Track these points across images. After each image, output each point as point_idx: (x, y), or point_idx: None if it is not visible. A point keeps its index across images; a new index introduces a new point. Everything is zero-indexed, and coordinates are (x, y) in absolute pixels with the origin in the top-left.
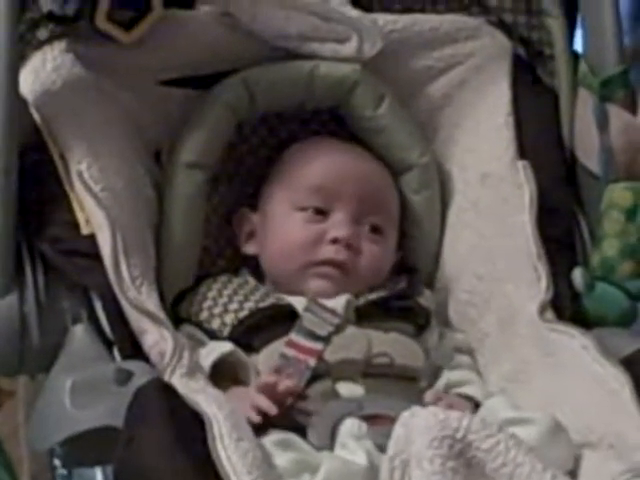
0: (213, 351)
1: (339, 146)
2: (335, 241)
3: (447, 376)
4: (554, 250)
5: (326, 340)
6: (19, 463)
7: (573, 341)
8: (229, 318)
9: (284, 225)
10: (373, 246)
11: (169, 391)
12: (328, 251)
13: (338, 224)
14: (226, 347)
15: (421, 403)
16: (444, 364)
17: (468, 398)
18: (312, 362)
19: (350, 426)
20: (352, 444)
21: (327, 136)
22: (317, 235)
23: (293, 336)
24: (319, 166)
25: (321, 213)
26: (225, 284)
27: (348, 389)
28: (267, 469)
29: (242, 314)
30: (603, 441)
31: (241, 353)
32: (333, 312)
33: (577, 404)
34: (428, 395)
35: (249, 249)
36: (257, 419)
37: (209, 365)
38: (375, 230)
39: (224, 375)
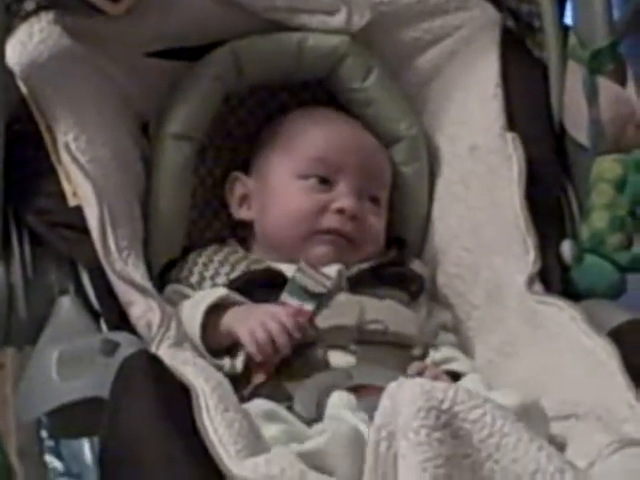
0: (207, 296)
1: (336, 116)
2: (340, 211)
3: (432, 355)
4: (543, 222)
5: (317, 299)
6: (7, 435)
7: (561, 313)
8: (221, 279)
9: (287, 192)
10: (374, 218)
11: (156, 362)
12: (333, 220)
13: (343, 195)
14: (222, 291)
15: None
16: (431, 339)
17: (454, 374)
18: (303, 321)
19: (339, 398)
20: (347, 414)
21: (323, 106)
22: (322, 204)
23: (284, 296)
24: (321, 135)
25: (325, 182)
26: (215, 251)
27: (339, 358)
28: (254, 439)
29: (233, 275)
30: (591, 413)
31: (237, 296)
32: (325, 275)
33: (565, 376)
34: (412, 367)
35: (242, 214)
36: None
37: (206, 306)
38: (374, 201)
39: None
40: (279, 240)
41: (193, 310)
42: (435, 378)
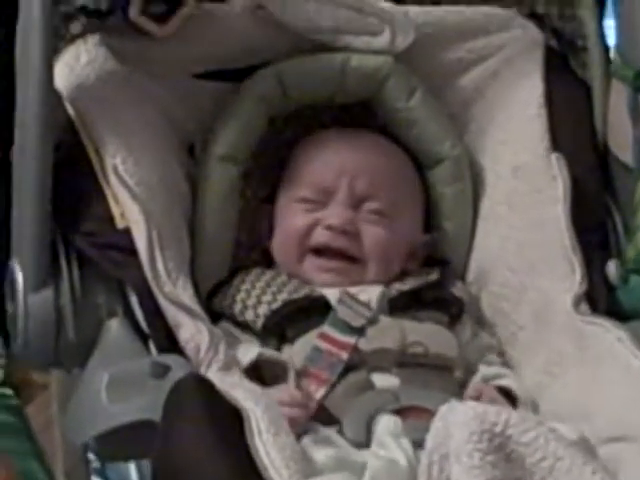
0: (244, 357)
1: (345, 138)
2: (330, 227)
3: (482, 372)
4: (587, 243)
5: (359, 332)
6: (52, 456)
7: (608, 334)
8: (262, 309)
9: (285, 216)
10: (375, 228)
11: (207, 385)
12: (323, 236)
13: (334, 212)
14: (253, 353)
15: (457, 393)
16: (477, 360)
17: (505, 391)
18: (344, 356)
19: (386, 423)
20: (390, 442)
21: (336, 129)
22: (312, 222)
23: (326, 328)
24: (318, 159)
25: (318, 203)
26: (258, 276)
27: (383, 380)
28: (305, 463)
29: (275, 305)
30: None
31: (269, 351)
32: (366, 305)
33: (613, 397)
34: (470, 390)
35: (270, 244)
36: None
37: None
38: (377, 213)
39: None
40: (282, 263)
41: None
42: (493, 401)
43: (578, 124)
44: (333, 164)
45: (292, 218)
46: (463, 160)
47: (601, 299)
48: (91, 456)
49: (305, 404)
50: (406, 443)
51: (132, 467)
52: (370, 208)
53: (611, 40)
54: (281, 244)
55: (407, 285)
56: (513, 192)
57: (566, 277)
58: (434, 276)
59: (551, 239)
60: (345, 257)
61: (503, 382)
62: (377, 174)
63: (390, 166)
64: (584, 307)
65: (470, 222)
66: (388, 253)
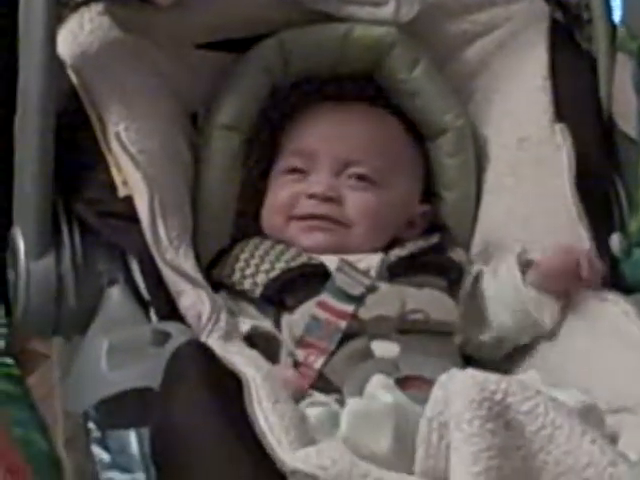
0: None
1: (336, 110)
2: (312, 196)
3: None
4: (591, 215)
5: (358, 300)
6: (54, 426)
7: (615, 307)
8: (260, 278)
9: (272, 189)
10: (361, 193)
11: (207, 352)
12: (307, 206)
13: (316, 181)
14: (247, 325)
15: (456, 359)
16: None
17: None
18: (343, 325)
19: (380, 380)
20: (381, 392)
21: (331, 102)
22: (296, 193)
23: (324, 297)
24: (304, 129)
25: (301, 172)
26: (257, 245)
27: (383, 347)
28: (304, 430)
29: (273, 273)
30: None
31: (263, 325)
32: (365, 273)
33: (617, 369)
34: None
35: None
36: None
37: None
38: (362, 179)
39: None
40: (268, 233)
41: None
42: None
43: (583, 96)
44: (315, 130)
45: (279, 190)
46: (466, 131)
47: (605, 272)
48: (91, 425)
49: (301, 385)
50: (399, 394)
51: (132, 435)
52: (354, 172)
53: (616, 13)
54: (267, 216)
55: (406, 250)
56: (518, 163)
57: None
58: (433, 240)
59: (557, 209)
60: (327, 219)
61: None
62: (361, 140)
63: (378, 134)
64: None
65: (474, 193)
66: (377, 219)
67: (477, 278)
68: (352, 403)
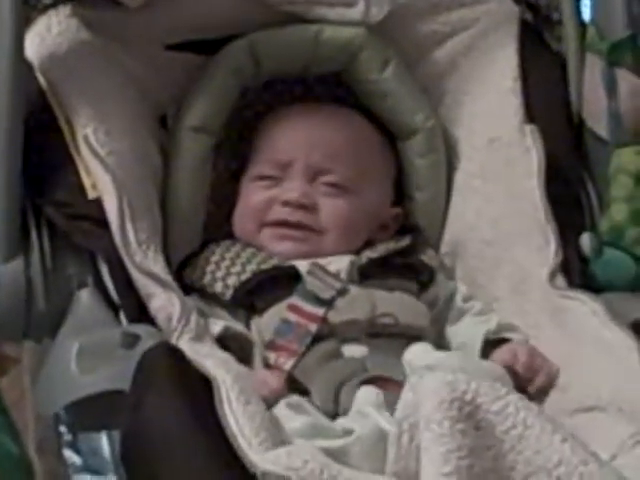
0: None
1: (305, 113)
2: (286, 203)
3: (494, 320)
4: (562, 215)
5: (328, 304)
6: (25, 429)
7: (583, 307)
8: (231, 281)
9: (244, 194)
10: (333, 200)
11: (177, 354)
12: (280, 212)
13: (289, 187)
14: (220, 326)
15: None
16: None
17: None
18: (313, 328)
19: (367, 394)
20: (373, 412)
21: (300, 104)
22: (269, 199)
23: (295, 300)
24: (274, 138)
25: (276, 179)
26: (228, 248)
27: (352, 350)
28: (276, 432)
29: (244, 276)
30: (613, 405)
31: (236, 326)
32: (336, 276)
33: (587, 369)
34: (504, 353)
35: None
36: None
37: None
38: (334, 186)
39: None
40: (240, 238)
41: None
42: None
43: (553, 97)
44: (289, 139)
45: (251, 196)
46: (437, 132)
47: (575, 271)
48: (62, 428)
49: (278, 386)
50: (387, 415)
51: (103, 438)
52: (327, 181)
53: (586, 14)
54: (239, 222)
55: (377, 252)
56: (488, 164)
57: (541, 249)
58: (404, 242)
59: (525, 211)
60: (300, 227)
61: (514, 336)
62: (333, 147)
63: (350, 139)
64: (560, 280)
65: (444, 194)
66: (350, 225)
67: (451, 297)
68: (361, 424)
